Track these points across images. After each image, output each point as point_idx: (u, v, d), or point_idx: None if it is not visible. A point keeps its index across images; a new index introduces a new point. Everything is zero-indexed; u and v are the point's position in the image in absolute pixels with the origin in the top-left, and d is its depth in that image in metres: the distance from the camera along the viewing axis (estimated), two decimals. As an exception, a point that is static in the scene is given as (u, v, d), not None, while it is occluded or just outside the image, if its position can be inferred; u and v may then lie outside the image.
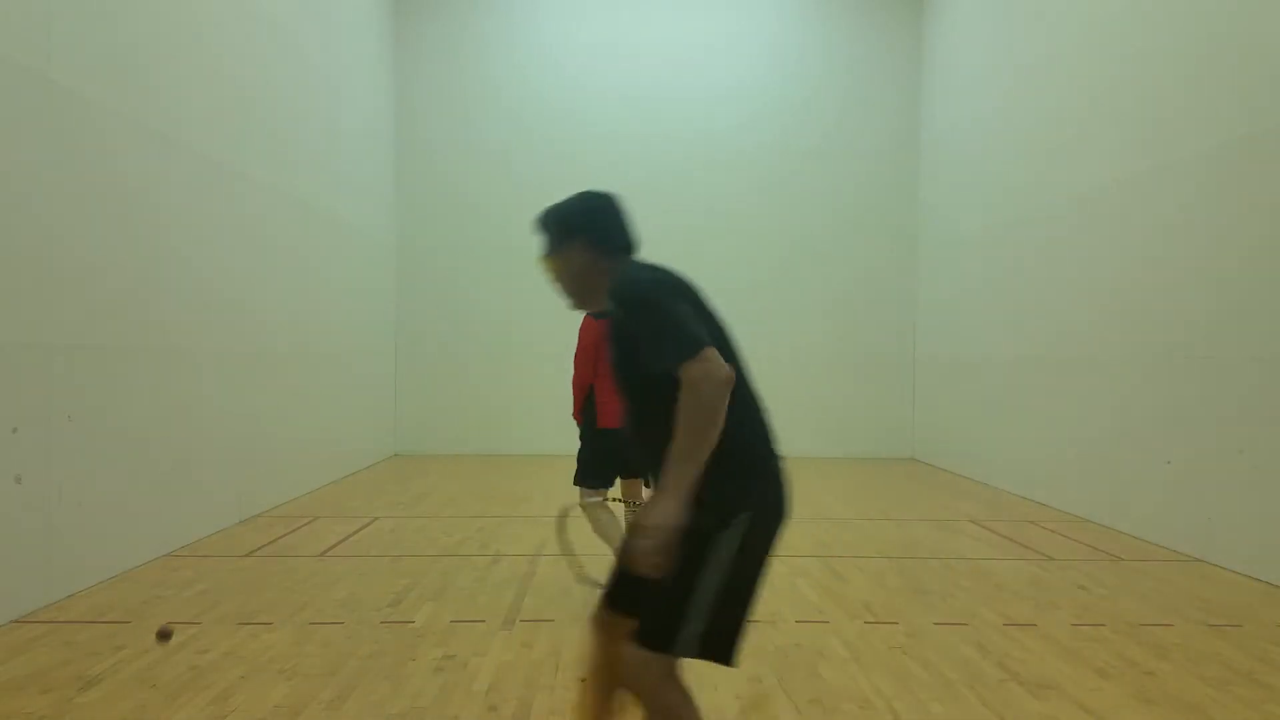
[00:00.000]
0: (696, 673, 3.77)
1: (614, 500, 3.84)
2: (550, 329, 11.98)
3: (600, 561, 4.90)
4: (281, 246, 7.88)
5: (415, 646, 4.08)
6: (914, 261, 12.07)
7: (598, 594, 2.45)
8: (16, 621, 4.35)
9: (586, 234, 2.43)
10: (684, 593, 2.13)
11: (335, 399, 9.26)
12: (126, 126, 5.45)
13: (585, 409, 4.85)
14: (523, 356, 11.72)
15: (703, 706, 3.42)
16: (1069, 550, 6.31)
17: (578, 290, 2.49)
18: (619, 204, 2.49)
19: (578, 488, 4.92)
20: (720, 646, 2.18)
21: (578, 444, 4.94)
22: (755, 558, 2.20)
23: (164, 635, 2.95)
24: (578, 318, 4.52)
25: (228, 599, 4.82)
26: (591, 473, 4.87)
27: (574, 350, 4.89)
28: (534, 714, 3.39)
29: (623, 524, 4.95)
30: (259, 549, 6.05)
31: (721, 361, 2.08)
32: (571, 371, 4.91)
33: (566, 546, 3.04)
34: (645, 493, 4.80)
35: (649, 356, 2.15)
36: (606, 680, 2.43)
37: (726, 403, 2.07)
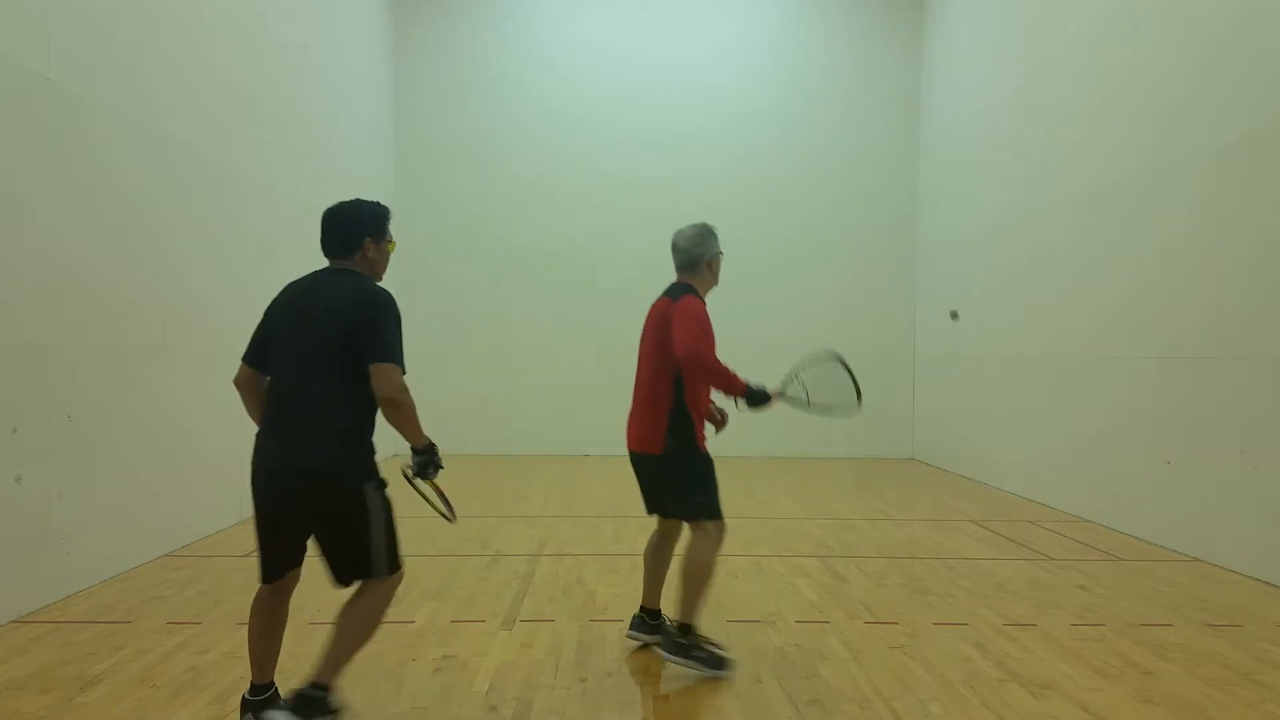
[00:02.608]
0: (695, 672, 3.78)
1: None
2: (550, 328, 11.99)
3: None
4: (281, 246, 7.86)
5: (415, 646, 4.08)
6: (914, 261, 12.07)
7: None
8: (16, 621, 4.35)
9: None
10: None
11: (335, 399, 9.24)
12: (126, 126, 5.45)
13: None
14: (522, 356, 11.71)
15: (703, 706, 3.42)
16: (1069, 550, 6.31)
17: None
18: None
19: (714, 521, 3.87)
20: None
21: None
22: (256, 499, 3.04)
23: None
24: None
25: (228, 599, 4.82)
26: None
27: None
28: (534, 714, 3.39)
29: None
30: (259, 549, 6.05)
31: (240, 370, 3.15)
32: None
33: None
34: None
35: None
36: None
37: (240, 395, 3.16)
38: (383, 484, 3.01)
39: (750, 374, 3.89)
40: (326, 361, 2.94)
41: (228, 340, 6.79)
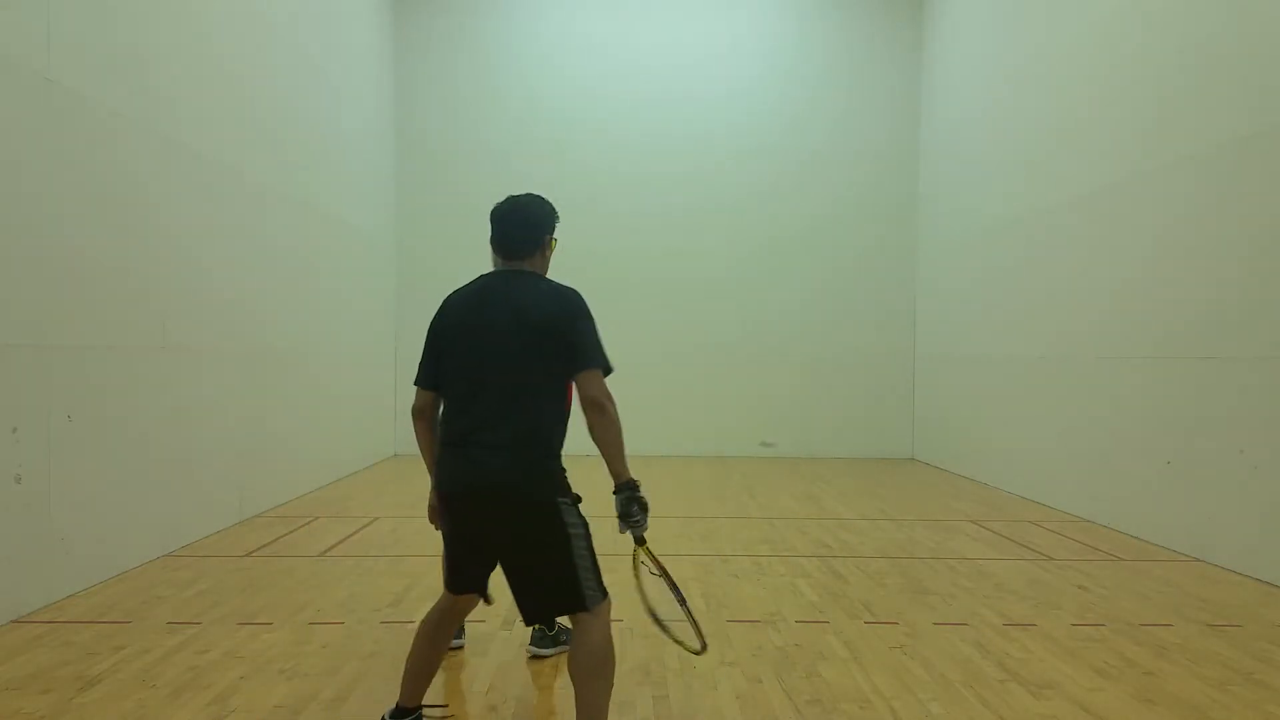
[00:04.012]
0: (697, 671, 3.78)
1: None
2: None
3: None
4: (281, 246, 7.88)
5: (415, 646, 4.08)
6: (914, 261, 12.07)
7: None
8: (16, 621, 4.35)
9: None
10: None
11: (335, 399, 9.26)
12: (126, 126, 5.45)
13: None
14: (523, 356, 11.70)
15: (703, 706, 3.42)
16: (1069, 550, 6.31)
17: None
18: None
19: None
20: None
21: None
22: (447, 521, 2.87)
23: None
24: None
25: (228, 599, 4.82)
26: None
27: None
28: (534, 714, 3.39)
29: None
30: (259, 549, 6.05)
31: (417, 398, 2.95)
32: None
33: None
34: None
35: None
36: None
37: (416, 425, 2.96)
38: (577, 499, 2.79)
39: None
40: (525, 370, 2.73)
41: (227, 340, 6.82)
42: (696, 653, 2.93)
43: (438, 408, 2.94)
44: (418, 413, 2.96)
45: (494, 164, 11.61)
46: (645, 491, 2.80)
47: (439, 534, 2.97)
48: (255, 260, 7.28)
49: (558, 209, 3.15)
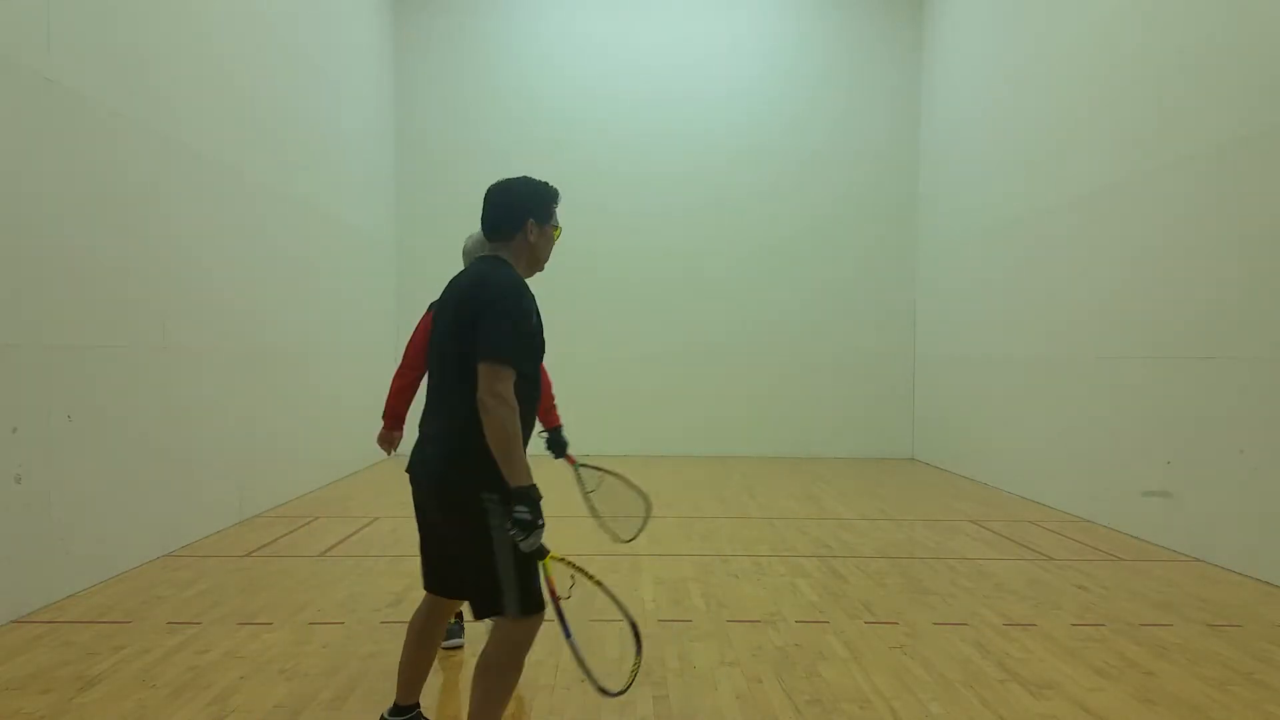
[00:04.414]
0: (697, 671, 3.78)
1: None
2: (549, 329, 11.98)
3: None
4: (281, 246, 7.88)
5: (415, 646, 4.08)
6: (914, 261, 12.07)
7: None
8: (16, 621, 4.35)
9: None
10: None
11: (335, 399, 9.26)
12: (126, 126, 5.45)
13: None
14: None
15: (703, 706, 3.42)
16: (1069, 550, 6.31)
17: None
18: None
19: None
20: None
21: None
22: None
23: None
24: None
25: (228, 599, 4.82)
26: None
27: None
28: (534, 714, 3.39)
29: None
30: (259, 549, 6.05)
31: None
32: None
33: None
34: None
35: None
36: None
37: None
38: (508, 497, 2.51)
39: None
40: (451, 358, 2.66)
41: (227, 340, 6.82)
42: (604, 693, 2.62)
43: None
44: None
45: (494, 164, 11.49)
46: (539, 504, 2.55)
47: None
48: (255, 260, 7.28)
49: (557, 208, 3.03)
